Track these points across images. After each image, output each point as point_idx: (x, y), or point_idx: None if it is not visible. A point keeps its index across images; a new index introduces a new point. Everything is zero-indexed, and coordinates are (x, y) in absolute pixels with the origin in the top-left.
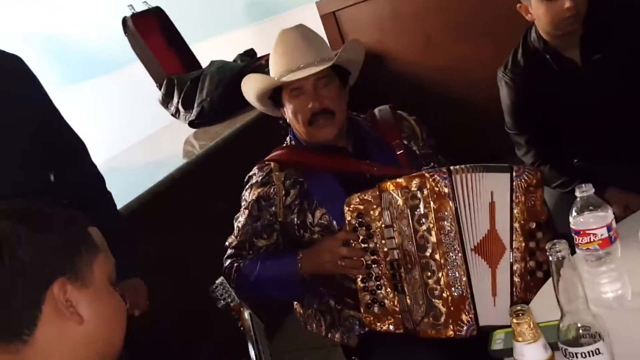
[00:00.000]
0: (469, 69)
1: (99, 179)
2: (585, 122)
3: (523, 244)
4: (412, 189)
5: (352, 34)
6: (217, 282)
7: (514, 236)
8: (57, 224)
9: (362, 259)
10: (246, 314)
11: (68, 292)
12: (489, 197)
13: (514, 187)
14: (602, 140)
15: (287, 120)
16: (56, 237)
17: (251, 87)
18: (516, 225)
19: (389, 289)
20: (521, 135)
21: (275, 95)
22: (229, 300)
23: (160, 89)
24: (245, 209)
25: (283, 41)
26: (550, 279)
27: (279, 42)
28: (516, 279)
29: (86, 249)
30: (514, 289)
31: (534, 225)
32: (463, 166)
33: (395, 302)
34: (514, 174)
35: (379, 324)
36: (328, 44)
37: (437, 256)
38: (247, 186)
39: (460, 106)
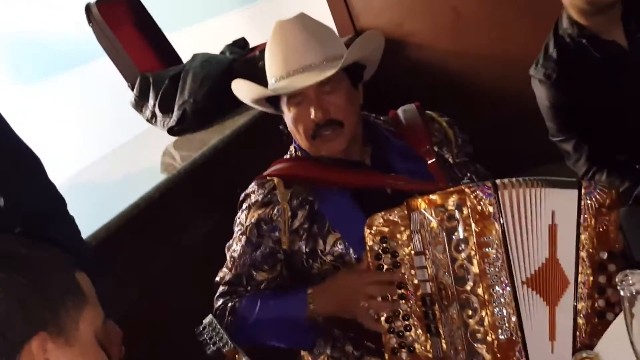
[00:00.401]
0: (510, 54)
1: (58, 201)
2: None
3: (591, 278)
4: (449, 207)
5: (365, 16)
6: (205, 322)
7: (580, 268)
8: (38, 268)
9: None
10: None
11: (49, 351)
12: (548, 218)
13: (582, 207)
14: None
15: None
16: (37, 284)
17: (241, 94)
18: (583, 254)
19: (420, 331)
20: (568, 141)
21: (273, 98)
22: (221, 344)
23: (132, 89)
24: (241, 234)
25: (280, 36)
26: (622, 317)
27: (275, 38)
28: (581, 321)
29: (73, 300)
30: (578, 333)
31: (605, 256)
32: (514, 179)
33: (428, 347)
34: (583, 190)
35: None
36: (336, 34)
37: (479, 290)
38: (243, 207)
39: (500, 102)
